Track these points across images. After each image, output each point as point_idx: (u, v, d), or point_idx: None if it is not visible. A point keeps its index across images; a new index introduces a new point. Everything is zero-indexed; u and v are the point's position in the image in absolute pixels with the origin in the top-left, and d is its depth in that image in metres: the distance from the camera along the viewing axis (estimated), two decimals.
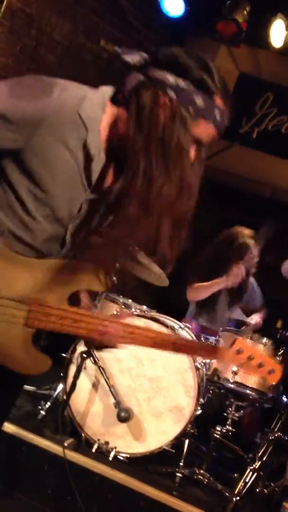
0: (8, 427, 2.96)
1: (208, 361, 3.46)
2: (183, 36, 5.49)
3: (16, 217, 1.56)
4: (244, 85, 5.35)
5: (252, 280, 4.33)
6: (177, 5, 4.77)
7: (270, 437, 3.30)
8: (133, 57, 1.57)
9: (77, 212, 1.58)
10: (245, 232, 4.24)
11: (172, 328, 3.31)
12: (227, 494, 3.11)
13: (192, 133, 1.53)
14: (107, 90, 1.61)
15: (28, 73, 4.47)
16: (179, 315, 4.20)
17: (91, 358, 3.06)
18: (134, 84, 1.54)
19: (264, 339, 3.43)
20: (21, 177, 1.53)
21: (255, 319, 4.22)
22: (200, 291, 4.13)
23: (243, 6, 4.75)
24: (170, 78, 1.51)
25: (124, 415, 3.01)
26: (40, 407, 3.30)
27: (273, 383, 2.47)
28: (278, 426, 3.35)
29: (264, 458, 3.28)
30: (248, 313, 4.34)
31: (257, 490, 3.21)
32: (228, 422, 3.28)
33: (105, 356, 3.21)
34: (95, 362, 3.06)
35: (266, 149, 5.24)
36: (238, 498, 3.05)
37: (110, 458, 3.06)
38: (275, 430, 3.35)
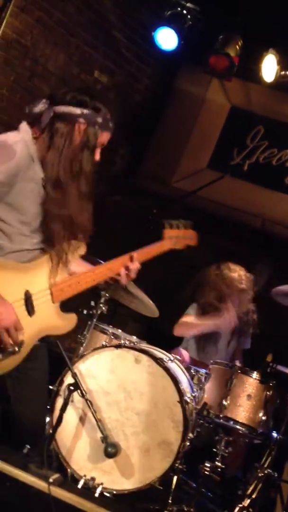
0: None
1: (197, 394, 3.42)
2: (175, 68, 5.57)
3: (11, 240, 2.31)
4: (235, 118, 5.41)
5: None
6: (170, 39, 4.84)
7: (260, 474, 3.24)
8: (39, 107, 2.29)
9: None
10: (235, 267, 4.22)
11: (161, 360, 3.27)
12: None
13: (99, 141, 2.33)
14: (26, 129, 2.30)
15: (22, 102, 4.50)
16: (169, 344, 4.16)
17: (79, 391, 2.99)
18: (48, 121, 2.26)
19: (254, 373, 3.40)
20: (10, 212, 2.28)
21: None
22: (187, 327, 4.07)
23: (235, 41, 4.84)
24: (77, 110, 2.26)
25: (111, 450, 2.94)
26: None
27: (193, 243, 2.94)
28: (267, 462, 3.29)
29: (253, 495, 3.21)
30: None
31: None
32: (217, 458, 3.22)
33: (93, 388, 3.16)
34: (83, 395, 3.00)
35: (257, 181, 5.27)
36: None
37: (96, 495, 2.97)
38: (265, 466, 3.29)
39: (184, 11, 4.80)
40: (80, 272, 2.49)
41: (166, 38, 4.85)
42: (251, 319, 4.17)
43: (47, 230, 2.34)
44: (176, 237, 2.79)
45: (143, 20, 5.10)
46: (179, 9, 4.82)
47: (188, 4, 4.83)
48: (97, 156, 2.37)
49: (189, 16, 4.83)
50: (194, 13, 4.85)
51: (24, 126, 2.31)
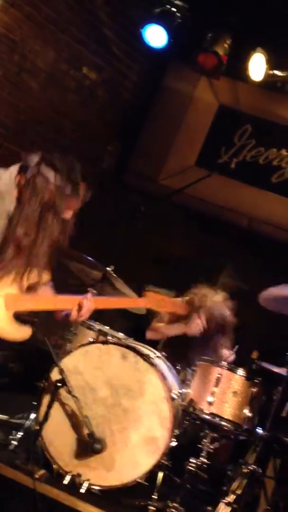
0: None
1: (184, 391, 3.44)
2: (164, 66, 5.58)
3: None
4: (223, 116, 5.42)
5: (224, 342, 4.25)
6: (159, 36, 4.84)
7: (244, 470, 3.28)
8: (32, 159, 2.60)
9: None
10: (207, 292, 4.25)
11: (148, 357, 3.29)
12: None
13: (65, 207, 2.63)
14: (13, 171, 2.63)
15: (10, 97, 4.49)
16: (155, 341, 4.19)
17: (66, 387, 3.01)
18: (31, 174, 2.60)
19: (240, 370, 3.43)
20: None
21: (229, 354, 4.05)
22: (158, 332, 4.19)
23: (224, 39, 4.86)
24: (52, 178, 2.59)
25: (97, 446, 2.96)
26: (11, 436, 3.22)
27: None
28: (252, 458, 3.32)
29: (238, 491, 3.24)
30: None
31: None
32: (202, 454, 3.25)
33: (80, 385, 3.16)
34: (69, 392, 3.01)
35: (244, 179, 5.30)
36: None
37: (82, 491, 2.99)
38: (249, 462, 3.32)
39: (173, 9, 4.80)
40: (42, 294, 2.73)
41: (155, 36, 4.85)
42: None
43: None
44: (158, 300, 2.91)
45: (133, 17, 5.09)
46: (168, 6, 4.82)
47: (177, 2, 4.83)
48: (67, 215, 2.67)
49: (178, 14, 4.83)
50: (183, 10, 4.85)
51: (13, 170, 2.65)
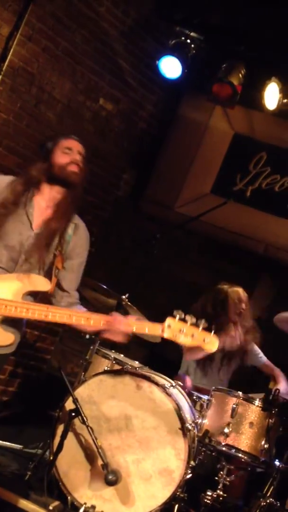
0: None
1: (199, 421, 3.40)
2: (179, 96, 5.65)
3: None
4: (238, 145, 5.45)
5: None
6: (174, 67, 4.91)
7: (262, 503, 3.21)
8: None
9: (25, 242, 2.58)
10: (230, 287, 4.25)
11: (163, 386, 3.26)
12: None
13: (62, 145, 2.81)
14: None
15: (28, 129, 4.57)
16: (172, 368, 4.15)
17: (80, 417, 2.99)
18: None
19: (257, 400, 3.39)
20: None
21: (284, 385, 3.93)
22: (195, 351, 4.08)
23: (238, 69, 4.91)
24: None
25: (111, 478, 2.93)
26: (26, 467, 3.20)
27: (212, 350, 2.44)
28: (270, 491, 3.26)
29: None
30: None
31: None
32: (219, 487, 3.20)
33: (94, 414, 3.15)
34: (84, 422, 3.00)
35: (260, 206, 5.29)
36: None
37: None
38: (267, 495, 3.25)
39: (188, 40, 4.88)
40: (36, 303, 2.50)
41: (170, 67, 4.92)
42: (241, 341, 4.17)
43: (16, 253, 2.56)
44: (179, 330, 2.46)
45: (148, 49, 5.19)
46: (183, 38, 4.90)
47: (192, 34, 4.91)
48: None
49: (192, 45, 4.91)
50: (198, 42, 4.93)
51: None
